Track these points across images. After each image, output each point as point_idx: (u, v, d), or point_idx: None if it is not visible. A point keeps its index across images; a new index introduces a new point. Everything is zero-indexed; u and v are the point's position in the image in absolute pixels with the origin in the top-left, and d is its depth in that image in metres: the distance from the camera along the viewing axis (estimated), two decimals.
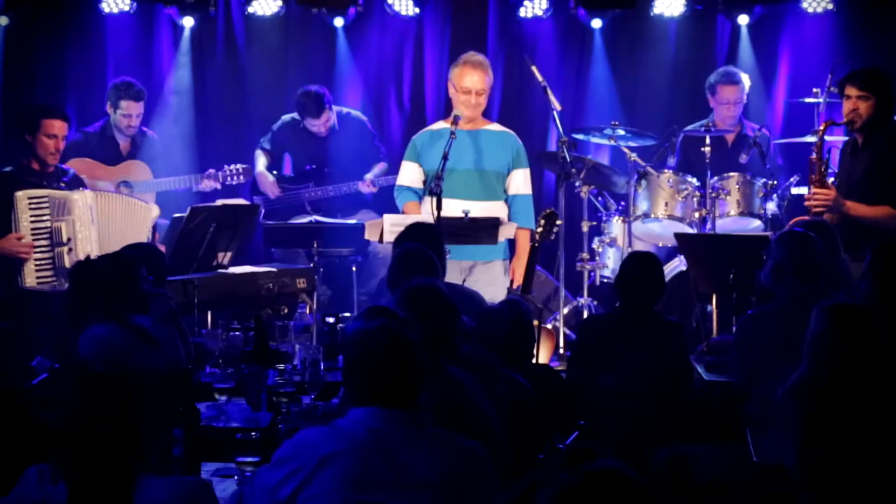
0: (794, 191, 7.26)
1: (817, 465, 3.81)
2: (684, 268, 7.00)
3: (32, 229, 6.86)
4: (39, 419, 3.35)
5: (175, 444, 3.73)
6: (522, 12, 8.61)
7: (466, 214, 6.39)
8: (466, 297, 5.46)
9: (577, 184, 7.17)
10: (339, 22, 8.64)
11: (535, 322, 5.53)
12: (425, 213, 6.52)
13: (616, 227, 7.46)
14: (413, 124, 8.53)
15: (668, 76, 8.68)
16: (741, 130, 7.88)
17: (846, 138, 6.82)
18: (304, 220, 7.72)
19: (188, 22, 8.58)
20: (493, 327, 4.76)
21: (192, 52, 8.63)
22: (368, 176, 7.96)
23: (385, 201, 7.72)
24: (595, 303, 7.13)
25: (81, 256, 6.63)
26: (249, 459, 3.68)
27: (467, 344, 4.21)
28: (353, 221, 7.53)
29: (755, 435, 4.60)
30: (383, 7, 8.62)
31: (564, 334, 6.69)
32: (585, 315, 6.89)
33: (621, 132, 7.42)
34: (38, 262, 6.88)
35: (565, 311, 6.85)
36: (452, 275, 6.30)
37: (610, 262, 7.42)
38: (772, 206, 7.13)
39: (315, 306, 6.61)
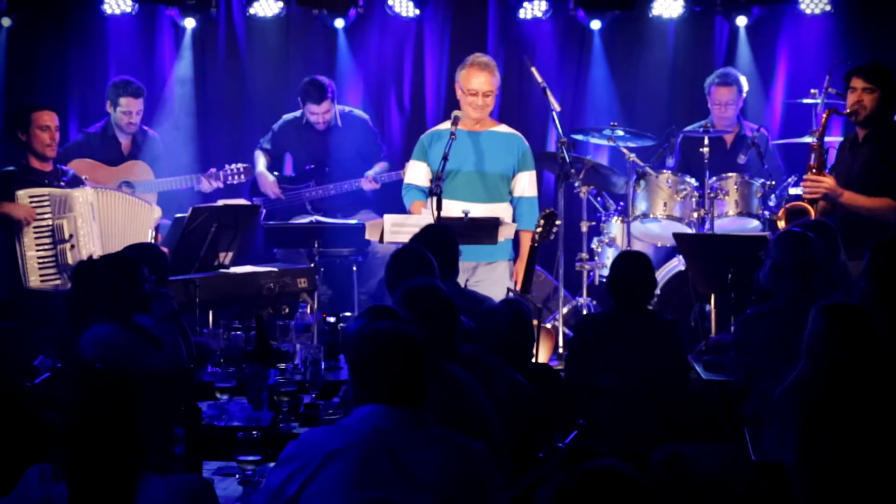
0: (792, 191, 7.27)
1: (815, 464, 3.82)
2: (683, 268, 7.01)
3: (34, 227, 6.90)
4: (41, 419, 3.36)
5: (176, 442, 3.74)
6: (522, 13, 8.61)
7: (466, 214, 6.40)
8: (472, 300, 5.43)
9: (576, 184, 7.18)
10: (339, 23, 8.64)
11: (535, 322, 5.53)
12: (427, 212, 6.52)
13: (615, 227, 7.47)
14: (413, 125, 8.55)
15: (667, 77, 8.68)
16: (740, 131, 7.88)
17: (842, 139, 6.84)
18: (305, 220, 7.72)
19: (189, 23, 8.57)
20: (492, 327, 4.78)
21: (193, 53, 8.62)
22: (370, 173, 7.96)
23: (386, 201, 7.73)
24: (594, 302, 7.15)
25: (84, 253, 6.68)
26: (250, 458, 3.70)
27: (467, 344, 4.23)
28: (353, 221, 7.53)
29: (753, 434, 4.62)
30: (384, 8, 8.62)
31: (564, 334, 6.69)
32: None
33: (620, 133, 7.42)
34: (41, 260, 6.91)
35: (564, 310, 6.87)
36: None
37: (609, 262, 7.41)
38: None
39: (316, 306, 6.63)
